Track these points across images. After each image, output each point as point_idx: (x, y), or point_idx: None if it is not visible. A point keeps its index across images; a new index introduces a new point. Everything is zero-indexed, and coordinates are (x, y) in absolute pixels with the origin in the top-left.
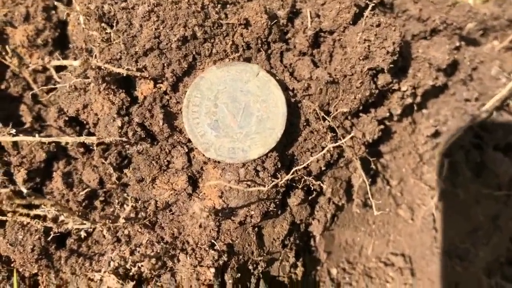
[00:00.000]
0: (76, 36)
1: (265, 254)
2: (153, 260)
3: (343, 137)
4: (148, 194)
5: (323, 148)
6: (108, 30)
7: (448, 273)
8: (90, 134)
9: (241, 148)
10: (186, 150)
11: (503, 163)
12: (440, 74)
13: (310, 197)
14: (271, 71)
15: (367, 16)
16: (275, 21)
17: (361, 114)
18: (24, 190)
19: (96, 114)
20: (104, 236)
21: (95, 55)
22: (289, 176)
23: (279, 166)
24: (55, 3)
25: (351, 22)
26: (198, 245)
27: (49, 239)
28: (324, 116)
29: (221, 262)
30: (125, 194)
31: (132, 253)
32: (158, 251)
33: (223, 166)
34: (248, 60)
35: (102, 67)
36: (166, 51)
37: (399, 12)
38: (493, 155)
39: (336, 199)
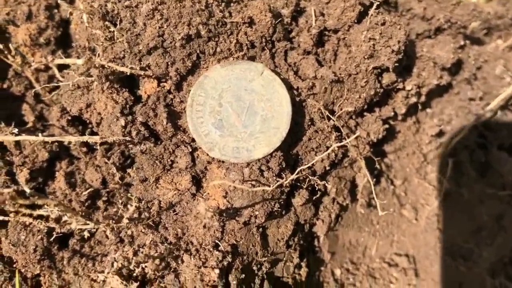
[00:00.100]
0: (79, 35)
1: (269, 255)
2: (157, 261)
3: (348, 137)
4: (151, 194)
5: (327, 147)
6: (112, 29)
7: (452, 273)
8: (93, 133)
9: (245, 148)
10: (190, 150)
11: (507, 162)
12: (444, 73)
13: (314, 197)
14: (276, 70)
15: (371, 15)
16: (279, 19)
17: (365, 114)
18: (27, 190)
19: (99, 113)
20: (107, 236)
21: (98, 54)
22: (294, 176)
23: (284, 166)
24: (58, 1)
25: (355, 21)
26: (202, 246)
27: (51, 239)
28: (329, 115)
29: (225, 263)
30: (128, 194)
31: (135, 253)
32: (162, 251)
33: (227, 165)
34: (252, 59)
35: (106, 66)
36: (170, 50)
37: (404, 10)
38: (497, 155)
39: (340, 199)
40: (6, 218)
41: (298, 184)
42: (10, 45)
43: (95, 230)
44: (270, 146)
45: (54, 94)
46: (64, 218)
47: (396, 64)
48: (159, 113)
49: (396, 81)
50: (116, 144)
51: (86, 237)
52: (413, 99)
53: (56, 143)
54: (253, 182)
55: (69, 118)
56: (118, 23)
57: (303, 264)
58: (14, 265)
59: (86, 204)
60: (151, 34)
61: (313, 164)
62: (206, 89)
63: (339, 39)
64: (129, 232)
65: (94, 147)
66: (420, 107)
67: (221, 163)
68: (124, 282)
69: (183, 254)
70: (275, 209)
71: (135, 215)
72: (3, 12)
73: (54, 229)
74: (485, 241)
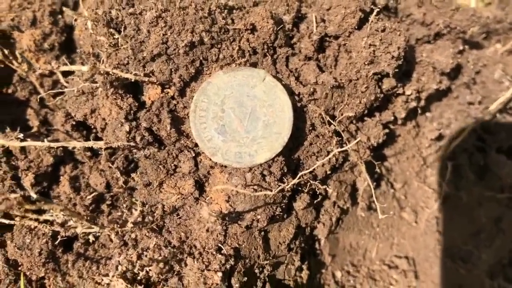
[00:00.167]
0: (83, 41)
1: (271, 258)
2: (161, 264)
3: (349, 141)
4: (155, 198)
5: (328, 152)
6: (116, 36)
7: (451, 275)
8: (97, 138)
9: (247, 153)
10: (193, 155)
11: (506, 165)
12: (444, 78)
13: (315, 201)
14: (277, 76)
15: (372, 21)
16: (281, 26)
17: (366, 118)
18: (34, 195)
19: (104, 119)
20: (111, 240)
21: (103, 60)
22: (295, 181)
23: (285, 171)
24: (63, 8)
25: (356, 27)
26: (205, 249)
27: (56, 242)
28: (330, 120)
29: (228, 266)
30: (132, 199)
31: (139, 257)
32: (166, 255)
33: (230, 170)
34: (254, 65)
35: (110, 72)
36: (173, 57)
37: (403, 16)
38: (496, 158)
39: (341, 202)
40: (12, 222)
41: (300, 188)
42: (16, 52)
43: (99, 233)
44: (272, 151)
45: (58, 99)
46: (70, 223)
47: (396, 70)
48: (162, 118)
49: (396, 86)
50: (120, 149)
51: (91, 241)
52: (413, 104)
53: (61, 148)
54: (255, 187)
55: (74, 123)
56: (122, 30)
57: (304, 266)
58: (19, 268)
59: (91, 208)
60: (155, 41)
61: (314, 169)
62: (209, 95)
63: (340, 45)
64: (133, 235)
65: (99, 151)
66: (419, 111)
67: (224, 168)
68: (129, 285)
69: (186, 257)
70: (277, 213)
71: (139, 219)
72: (7, 17)
73: (59, 232)
74: (484, 243)
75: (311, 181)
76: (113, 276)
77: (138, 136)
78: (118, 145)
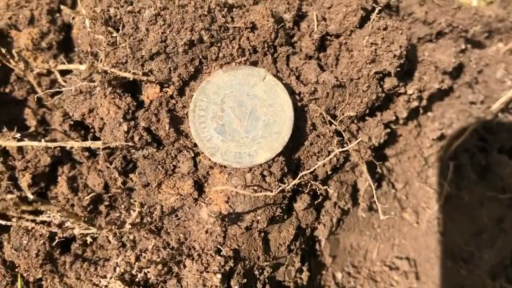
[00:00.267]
0: (81, 40)
1: (271, 259)
2: (159, 266)
3: (350, 141)
4: (153, 199)
5: (329, 152)
6: (114, 34)
7: (452, 276)
8: (95, 137)
9: (247, 153)
10: (192, 155)
11: (508, 165)
12: (446, 77)
13: (316, 202)
14: (278, 75)
15: (373, 20)
16: (281, 24)
17: (367, 118)
18: (30, 196)
19: (102, 119)
20: (109, 241)
21: (101, 59)
22: (295, 181)
23: (286, 171)
24: (61, 6)
25: (357, 26)
26: (204, 251)
27: (54, 244)
28: (331, 120)
29: (227, 268)
30: (131, 200)
31: (137, 258)
32: (164, 256)
33: (230, 170)
34: (254, 64)
35: (108, 71)
36: (172, 55)
37: (405, 15)
38: (498, 158)
39: (342, 203)
40: (9, 223)
41: (300, 188)
42: (13, 51)
43: (97, 235)
44: (272, 151)
45: (56, 99)
46: (67, 224)
47: (398, 69)
48: (161, 118)
49: (397, 85)
50: (118, 149)
51: (89, 242)
52: (415, 103)
53: (58, 148)
54: (255, 187)
55: (72, 122)
56: (120, 28)
57: (304, 268)
58: (17, 270)
59: (88, 208)
60: (154, 40)
61: (315, 169)
62: (208, 94)
63: (341, 44)
64: (131, 237)
65: (96, 152)
66: (421, 111)
67: (223, 168)
68: (127, 287)
69: (185, 259)
70: (277, 214)
71: (138, 220)
72: (5, 16)
73: (56, 233)
74: (486, 244)
75: (312, 182)
76: (111, 278)
77: (137, 136)
78: (116, 145)
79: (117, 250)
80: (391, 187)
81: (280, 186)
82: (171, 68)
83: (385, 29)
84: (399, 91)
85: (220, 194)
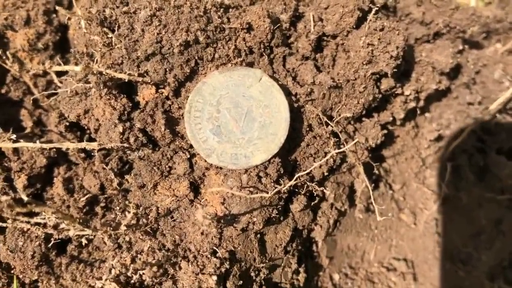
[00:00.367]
0: (77, 40)
1: (267, 261)
2: (155, 268)
3: (346, 142)
4: (149, 200)
5: (326, 153)
6: (110, 35)
7: (450, 277)
8: (91, 139)
9: (243, 154)
10: (188, 156)
11: (506, 166)
12: (443, 78)
13: (312, 203)
14: (274, 76)
15: (370, 20)
16: (277, 25)
17: (364, 119)
18: (25, 198)
19: (97, 120)
20: (105, 242)
21: (97, 60)
22: (292, 183)
23: (282, 172)
24: (56, 7)
25: (354, 26)
26: (200, 253)
27: (49, 245)
28: (327, 121)
29: (223, 270)
30: (126, 202)
31: (133, 260)
32: (160, 258)
33: (226, 172)
34: (250, 65)
35: (104, 72)
36: (168, 56)
37: (402, 15)
38: (496, 159)
39: (338, 204)
40: (4, 225)
41: (296, 190)
42: (8, 52)
43: (93, 236)
44: (268, 153)
45: (52, 100)
46: (62, 225)
47: (395, 70)
48: (157, 119)
49: (394, 86)
50: (114, 150)
51: (84, 244)
52: (412, 104)
53: (54, 149)
54: (251, 189)
55: (67, 124)
56: (116, 29)
57: (301, 269)
58: (12, 271)
59: (84, 210)
60: (149, 40)
61: (311, 170)
62: (204, 96)
63: (338, 45)
64: (127, 238)
65: (92, 153)
66: (418, 111)
67: (219, 170)
68: None
69: (181, 260)
70: (273, 215)
71: (133, 222)
72: (1, 17)
73: (52, 235)
74: (484, 245)
75: (308, 183)
76: (106, 280)
77: (132, 137)
78: (112, 147)
79: (112, 251)
80: (389, 188)
81: (276, 188)
82: (167, 69)
83: (382, 29)
84: (396, 92)
85: (216, 195)
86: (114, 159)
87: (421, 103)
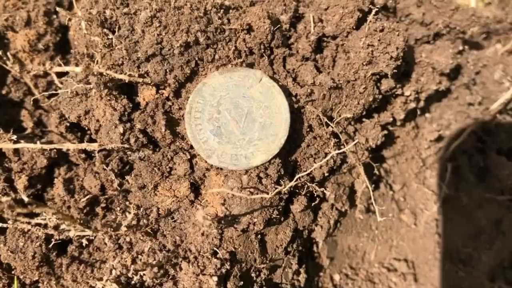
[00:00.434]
0: (77, 41)
1: (267, 262)
2: (155, 269)
3: (347, 143)
4: (150, 201)
5: (326, 154)
6: (110, 36)
7: (451, 278)
8: (91, 139)
9: (244, 155)
10: (189, 157)
11: (506, 167)
12: (443, 79)
13: (313, 204)
14: (274, 76)
15: (370, 21)
16: (278, 26)
17: (364, 119)
18: (25, 199)
19: (97, 121)
20: (105, 243)
21: (97, 61)
22: (292, 183)
23: (282, 173)
24: (57, 8)
25: (354, 27)
26: (201, 253)
27: (50, 246)
28: (328, 121)
29: (223, 270)
30: (127, 202)
31: (134, 261)
32: (160, 259)
33: (226, 173)
34: (251, 65)
35: (104, 73)
36: (168, 57)
37: (402, 16)
38: (496, 159)
39: (339, 205)
40: (5, 225)
41: (297, 190)
42: (8, 53)
43: (94, 236)
44: (268, 153)
45: (53, 100)
46: (63, 226)
47: (395, 70)
48: (157, 120)
49: (394, 87)
50: (114, 150)
51: (84, 244)
52: (412, 105)
53: (55, 150)
54: (252, 190)
55: (68, 124)
56: (116, 30)
57: (301, 270)
58: (13, 272)
59: (85, 210)
60: (150, 41)
61: (311, 171)
62: (204, 96)
63: (338, 46)
64: (127, 238)
65: (93, 154)
66: (419, 112)
67: (220, 170)
68: None
69: (181, 261)
70: (274, 216)
71: (134, 222)
72: (1, 17)
73: (52, 235)
74: (484, 246)
75: (309, 184)
76: (106, 280)
77: (133, 137)
78: (112, 147)
79: (113, 252)
80: (389, 188)
81: (276, 188)
82: (167, 70)
83: (381, 30)
84: (396, 93)
85: (216, 196)
86: (115, 160)
87: (421, 103)
